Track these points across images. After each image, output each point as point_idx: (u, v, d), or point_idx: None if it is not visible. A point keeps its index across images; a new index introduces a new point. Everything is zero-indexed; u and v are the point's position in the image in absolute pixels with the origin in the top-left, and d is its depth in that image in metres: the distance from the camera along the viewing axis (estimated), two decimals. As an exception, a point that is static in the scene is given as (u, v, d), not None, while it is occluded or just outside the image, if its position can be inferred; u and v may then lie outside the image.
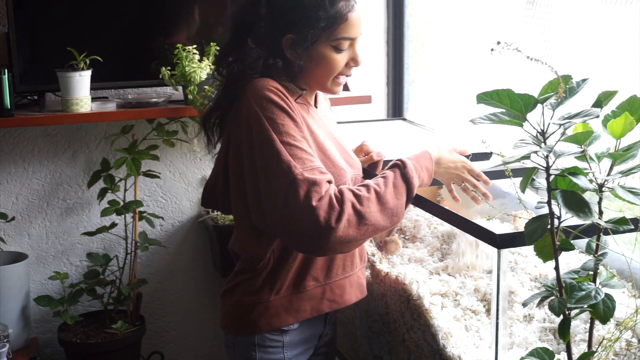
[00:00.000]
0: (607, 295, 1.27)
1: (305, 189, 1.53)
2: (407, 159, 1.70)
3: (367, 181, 1.64)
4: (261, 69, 1.68)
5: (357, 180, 1.80)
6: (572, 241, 1.32)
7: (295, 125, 1.61)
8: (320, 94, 1.86)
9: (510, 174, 1.43)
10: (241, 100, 1.66)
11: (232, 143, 1.69)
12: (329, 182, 1.58)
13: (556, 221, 1.29)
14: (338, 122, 1.97)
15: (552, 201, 1.28)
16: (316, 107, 1.81)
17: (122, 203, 2.72)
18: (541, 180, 1.31)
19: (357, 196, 1.57)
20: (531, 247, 1.32)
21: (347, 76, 1.74)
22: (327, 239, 1.53)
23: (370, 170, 1.93)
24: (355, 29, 1.69)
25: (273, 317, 1.73)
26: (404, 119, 2.86)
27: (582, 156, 1.30)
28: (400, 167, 1.68)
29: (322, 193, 1.54)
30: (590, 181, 1.28)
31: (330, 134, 1.79)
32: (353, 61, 1.72)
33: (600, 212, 1.31)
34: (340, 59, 1.70)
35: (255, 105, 1.62)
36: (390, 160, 1.73)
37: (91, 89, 2.52)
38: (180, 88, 2.59)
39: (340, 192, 1.57)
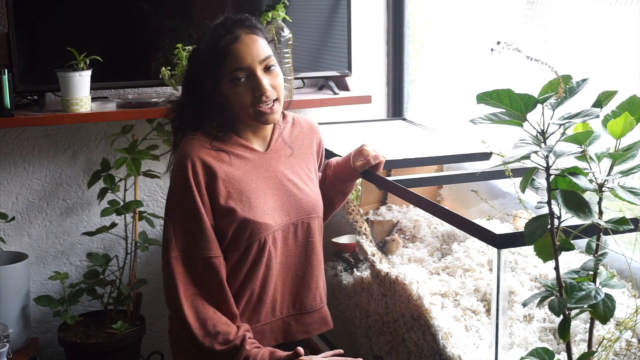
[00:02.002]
0: (607, 295, 1.27)
1: (172, 272, 1.66)
2: None
3: None
4: (194, 119, 1.76)
5: (303, 224, 1.80)
6: (572, 241, 1.32)
7: (196, 203, 1.67)
8: (293, 132, 1.87)
9: (510, 174, 1.42)
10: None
11: None
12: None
13: (556, 221, 1.29)
14: (338, 122, 1.96)
15: (552, 201, 1.28)
16: (267, 150, 1.80)
17: (122, 203, 2.71)
18: (541, 180, 1.31)
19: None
20: (531, 247, 1.33)
21: (267, 105, 1.71)
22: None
23: (370, 171, 1.93)
24: (244, 58, 1.69)
25: (189, 355, 1.73)
26: (404, 119, 2.86)
27: (582, 156, 1.30)
28: None
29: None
30: (590, 181, 1.28)
31: (276, 178, 1.78)
32: (256, 90, 1.70)
33: (600, 212, 1.31)
34: (242, 91, 1.70)
35: (173, 174, 1.73)
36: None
37: (91, 89, 2.52)
38: (180, 88, 2.58)
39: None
